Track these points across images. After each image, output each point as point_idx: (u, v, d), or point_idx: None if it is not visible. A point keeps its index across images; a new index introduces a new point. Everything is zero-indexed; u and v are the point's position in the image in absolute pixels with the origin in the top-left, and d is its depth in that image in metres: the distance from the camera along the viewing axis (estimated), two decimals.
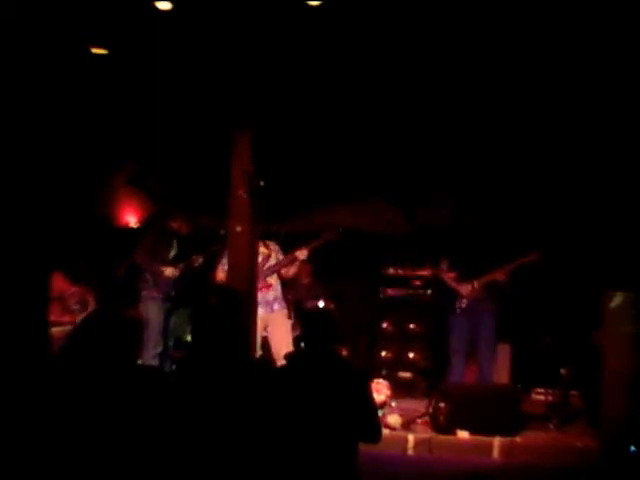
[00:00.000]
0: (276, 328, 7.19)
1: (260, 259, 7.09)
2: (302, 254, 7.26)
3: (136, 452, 3.32)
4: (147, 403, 3.45)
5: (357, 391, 4.06)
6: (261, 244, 7.14)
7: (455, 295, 7.41)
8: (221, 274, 7.13)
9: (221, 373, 3.71)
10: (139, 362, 5.99)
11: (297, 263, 7.33)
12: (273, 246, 7.42)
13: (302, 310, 7.90)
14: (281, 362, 4.52)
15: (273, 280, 7.28)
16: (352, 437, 3.99)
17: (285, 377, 4.14)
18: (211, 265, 7.45)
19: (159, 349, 7.30)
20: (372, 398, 4.23)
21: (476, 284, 7.36)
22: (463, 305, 7.39)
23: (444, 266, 7.54)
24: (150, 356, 7.12)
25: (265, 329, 7.19)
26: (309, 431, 3.92)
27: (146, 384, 3.51)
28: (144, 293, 7.47)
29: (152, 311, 7.42)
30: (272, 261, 7.34)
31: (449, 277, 7.49)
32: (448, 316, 7.48)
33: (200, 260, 7.57)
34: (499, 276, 7.30)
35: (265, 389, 3.89)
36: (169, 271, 7.47)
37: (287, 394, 4.00)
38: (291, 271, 7.38)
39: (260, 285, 7.03)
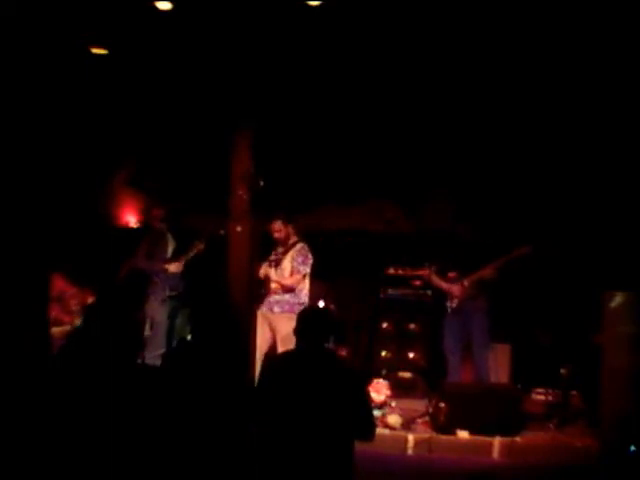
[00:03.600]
0: (277, 329, 7.17)
1: (271, 263, 7.10)
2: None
3: (135, 450, 3.32)
4: (145, 402, 3.45)
5: (350, 389, 4.06)
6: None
7: (446, 296, 7.45)
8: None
9: (217, 372, 3.71)
10: (139, 362, 5.98)
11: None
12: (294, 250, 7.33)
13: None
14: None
15: (274, 285, 7.24)
16: (346, 435, 3.99)
17: (279, 376, 4.14)
18: (212, 262, 7.47)
19: (162, 350, 7.31)
20: (366, 396, 4.22)
21: (466, 282, 7.38)
22: (454, 305, 7.42)
23: (432, 272, 7.58)
24: (153, 356, 7.12)
25: (270, 328, 7.17)
26: (303, 429, 3.91)
27: (144, 383, 3.51)
28: (151, 295, 7.51)
29: (157, 312, 7.46)
30: (285, 264, 7.26)
31: (439, 280, 7.53)
32: (442, 317, 7.52)
33: (202, 246, 7.59)
34: (486, 273, 7.31)
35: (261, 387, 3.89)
36: (173, 267, 7.53)
37: (280, 393, 4.00)
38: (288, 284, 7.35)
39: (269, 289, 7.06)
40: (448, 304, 7.44)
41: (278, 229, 7.19)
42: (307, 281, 7.30)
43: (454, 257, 7.53)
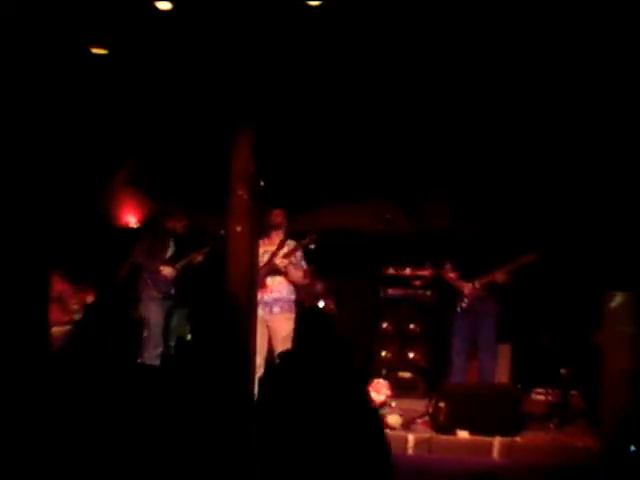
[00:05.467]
0: (275, 331, 7.15)
1: (267, 257, 7.09)
2: (282, 263, 7.23)
3: (135, 449, 3.32)
4: (145, 402, 3.45)
5: (349, 389, 4.06)
6: (272, 241, 7.14)
7: (457, 295, 7.43)
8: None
9: (218, 372, 3.71)
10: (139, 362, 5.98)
11: (288, 271, 7.27)
12: (290, 245, 7.32)
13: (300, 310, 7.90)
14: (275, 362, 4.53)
15: (272, 282, 7.22)
16: (344, 435, 3.99)
17: (277, 376, 4.15)
18: (212, 263, 7.47)
19: (160, 349, 7.31)
20: (368, 396, 4.22)
21: (477, 284, 7.37)
22: (464, 305, 7.39)
23: (448, 267, 7.55)
24: (151, 357, 7.11)
25: (268, 329, 7.17)
26: (303, 429, 3.91)
27: (144, 383, 3.51)
28: (143, 294, 7.50)
29: (152, 311, 7.45)
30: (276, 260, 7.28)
31: (452, 277, 7.50)
32: (450, 317, 7.49)
33: (200, 258, 7.60)
34: (499, 276, 7.30)
35: (259, 388, 3.90)
36: (167, 271, 7.52)
37: (279, 393, 4.00)
38: (297, 278, 7.29)
39: (259, 285, 7.02)
40: (460, 303, 7.42)
41: (278, 214, 7.27)
42: None
43: (454, 257, 7.53)
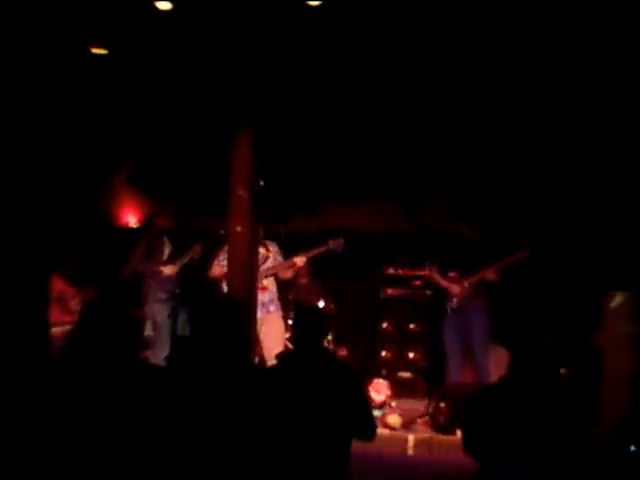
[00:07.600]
0: (270, 329, 7.20)
1: (258, 260, 7.11)
2: (301, 261, 7.31)
3: (136, 449, 3.32)
4: (147, 401, 3.45)
5: (347, 388, 4.07)
6: (260, 245, 7.18)
7: (446, 296, 7.45)
8: (217, 269, 7.18)
9: (219, 372, 3.71)
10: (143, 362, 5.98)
11: (294, 268, 7.38)
12: (272, 247, 7.44)
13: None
14: (272, 362, 4.54)
15: (268, 282, 7.31)
16: (344, 434, 4.00)
17: (276, 376, 4.15)
18: (209, 260, 7.50)
19: (167, 351, 7.31)
20: (364, 395, 4.22)
21: (466, 283, 7.38)
22: (454, 305, 7.41)
23: (433, 269, 7.57)
24: (158, 358, 7.10)
25: (260, 329, 7.21)
26: (302, 429, 3.92)
27: (147, 383, 3.52)
28: (149, 296, 7.51)
29: (159, 313, 7.46)
30: (269, 263, 7.36)
31: (439, 278, 7.52)
32: (441, 317, 7.52)
33: (199, 249, 7.61)
34: (489, 275, 7.30)
35: (258, 389, 3.90)
36: (168, 269, 7.54)
37: (277, 393, 4.00)
38: (287, 274, 7.42)
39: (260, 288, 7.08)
40: (448, 304, 7.44)
41: None
42: None
43: (454, 257, 7.53)
